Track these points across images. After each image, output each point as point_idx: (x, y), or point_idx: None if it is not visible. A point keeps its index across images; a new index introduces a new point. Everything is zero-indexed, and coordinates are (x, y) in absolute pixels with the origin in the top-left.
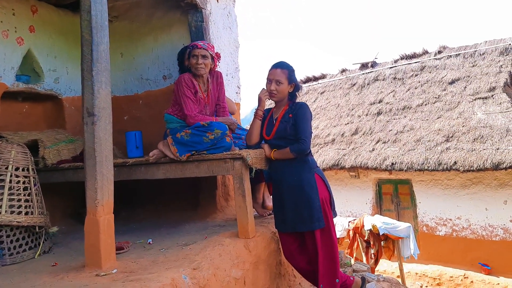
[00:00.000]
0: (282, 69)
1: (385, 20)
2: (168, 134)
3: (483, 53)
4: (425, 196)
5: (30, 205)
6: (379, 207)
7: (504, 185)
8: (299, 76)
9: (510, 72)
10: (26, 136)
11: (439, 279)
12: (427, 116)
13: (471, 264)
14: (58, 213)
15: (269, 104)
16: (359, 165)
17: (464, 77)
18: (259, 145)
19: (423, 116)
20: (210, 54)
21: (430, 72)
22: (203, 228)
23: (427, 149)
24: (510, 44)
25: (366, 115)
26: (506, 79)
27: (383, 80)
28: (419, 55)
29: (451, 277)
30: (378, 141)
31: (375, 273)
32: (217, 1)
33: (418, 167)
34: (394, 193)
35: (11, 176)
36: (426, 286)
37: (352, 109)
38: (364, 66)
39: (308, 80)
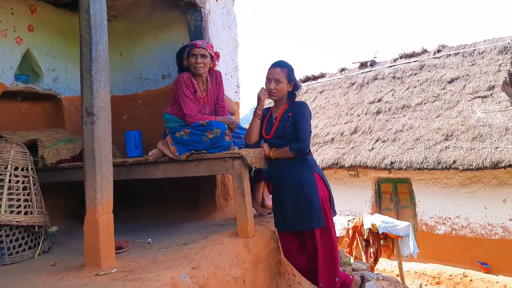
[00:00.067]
0: (281, 68)
1: (384, 20)
2: (167, 133)
3: (482, 52)
4: (424, 195)
5: (29, 205)
6: (379, 206)
7: (503, 184)
8: (298, 75)
9: (509, 71)
10: (25, 135)
11: (438, 277)
12: (426, 115)
13: (470, 262)
14: (57, 213)
15: (268, 103)
16: (358, 164)
17: (463, 76)
18: (258, 144)
19: (422, 115)
20: (209, 53)
21: (429, 71)
22: (203, 227)
23: (426, 148)
24: (509, 43)
25: (366, 114)
26: (505, 77)
27: (382, 79)
28: (418, 54)
29: (451, 275)
30: (377, 140)
31: (375, 272)
32: (216, 0)
33: (418, 166)
34: (393, 192)
35: (10, 176)
36: (426, 285)
37: (352, 108)
38: (363, 65)
39: (307, 79)
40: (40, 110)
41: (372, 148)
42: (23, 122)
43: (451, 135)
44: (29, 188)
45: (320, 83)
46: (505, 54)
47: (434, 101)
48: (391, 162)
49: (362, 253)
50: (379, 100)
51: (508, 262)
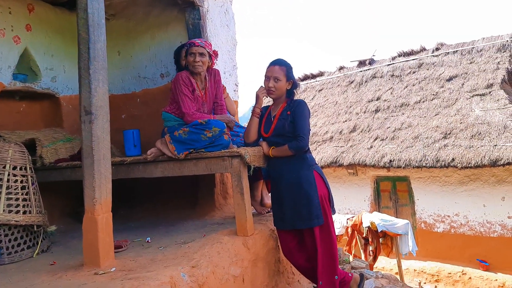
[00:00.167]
0: (280, 66)
1: (383, 18)
2: (166, 132)
3: (481, 50)
4: (423, 193)
5: (28, 204)
6: (377, 204)
7: (502, 182)
8: (297, 74)
9: (507, 68)
10: (24, 135)
11: (437, 275)
12: (425, 113)
13: (469, 260)
14: (56, 212)
15: (267, 102)
16: (357, 162)
17: (461, 74)
18: (257, 142)
19: (421, 113)
20: (208, 52)
21: (427, 69)
22: (202, 226)
23: (425, 146)
24: (507, 40)
25: (364, 112)
26: (504, 75)
27: (381, 77)
28: (417, 52)
29: (449, 273)
30: (376, 139)
31: (374, 270)
32: None
33: (416, 164)
34: (392, 190)
35: (8, 175)
36: (425, 283)
37: (350, 107)
38: (362, 63)
39: (306, 77)
40: (38, 109)
41: (371, 147)
42: (22, 122)
43: (449, 133)
44: (28, 188)
45: (319, 82)
46: (503, 52)
47: (432, 99)
48: (390, 160)
49: (361, 251)
50: (378, 99)
51: (506, 259)
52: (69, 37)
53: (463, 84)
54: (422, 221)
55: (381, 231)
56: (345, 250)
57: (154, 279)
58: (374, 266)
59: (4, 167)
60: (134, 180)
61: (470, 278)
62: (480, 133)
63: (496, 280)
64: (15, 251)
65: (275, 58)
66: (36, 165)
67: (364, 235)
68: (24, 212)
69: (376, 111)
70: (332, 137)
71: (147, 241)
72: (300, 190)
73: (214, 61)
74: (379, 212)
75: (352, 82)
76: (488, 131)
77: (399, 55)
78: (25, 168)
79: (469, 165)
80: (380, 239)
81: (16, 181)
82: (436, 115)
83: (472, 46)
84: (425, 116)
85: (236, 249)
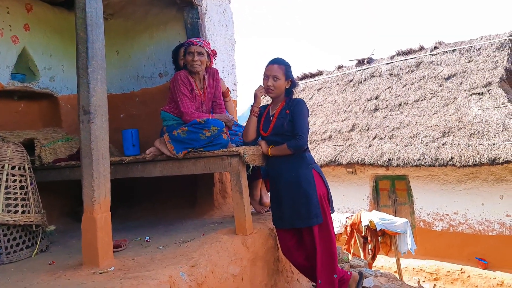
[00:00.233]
0: (279, 65)
1: (381, 17)
2: (164, 131)
3: (479, 49)
4: (422, 192)
5: (26, 204)
6: (376, 203)
7: (501, 180)
8: (296, 73)
9: (506, 67)
10: (22, 135)
11: (436, 274)
12: (424, 112)
13: (468, 259)
14: (55, 212)
15: (266, 101)
16: (356, 161)
17: (460, 73)
18: (255, 141)
19: (419, 112)
20: (206, 51)
21: (426, 68)
22: (201, 225)
23: (423, 145)
24: (506, 39)
25: (363, 111)
26: (502, 74)
27: (379, 76)
28: (415, 51)
29: (448, 272)
30: (375, 137)
31: (373, 269)
32: None
33: (415, 163)
34: (391, 189)
35: (7, 175)
36: (424, 281)
37: (349, 106)
38: (360, 62)
39: (304, 77)
40: (37, 109)
41: (370, 145)
42: (20, 121)
43: (448, 132)
44: (26, 187)
45: (318, 81)
46: (502, 51)
47: (431, 98)
48: (389, 159)
49: (360, 250)
50: (377, 98)
51: (505, 257)
52: (67, 36)
53: (462, 82)
54: (421, 219)
55: (380, 229)
56: (344, 249)
57: (153, 278)
58: (373, 264)
59: (3, 167)
60: (133, 179)
61: (469, 276)
62: (478, 131)
63: (495, 278)
64: (14, 251)
65: (274, 57)
66: (34, 164)
67: (363, 234)
68: (23, 212)
69: (375, 110)
70: (331, 136)
71: (146, 241)
72: (299, 189)
73: (213, 60)
74: (378, 210)
75: (350, 81)
76: (486, 129)
77: (398, 54)
78: (24, 168)
79: (468, 163)
80: (379, 238)
81: (14, 181)
82: (434, 113)
83: (471, 45)
84: (423, 115)
85: (235, 248)
